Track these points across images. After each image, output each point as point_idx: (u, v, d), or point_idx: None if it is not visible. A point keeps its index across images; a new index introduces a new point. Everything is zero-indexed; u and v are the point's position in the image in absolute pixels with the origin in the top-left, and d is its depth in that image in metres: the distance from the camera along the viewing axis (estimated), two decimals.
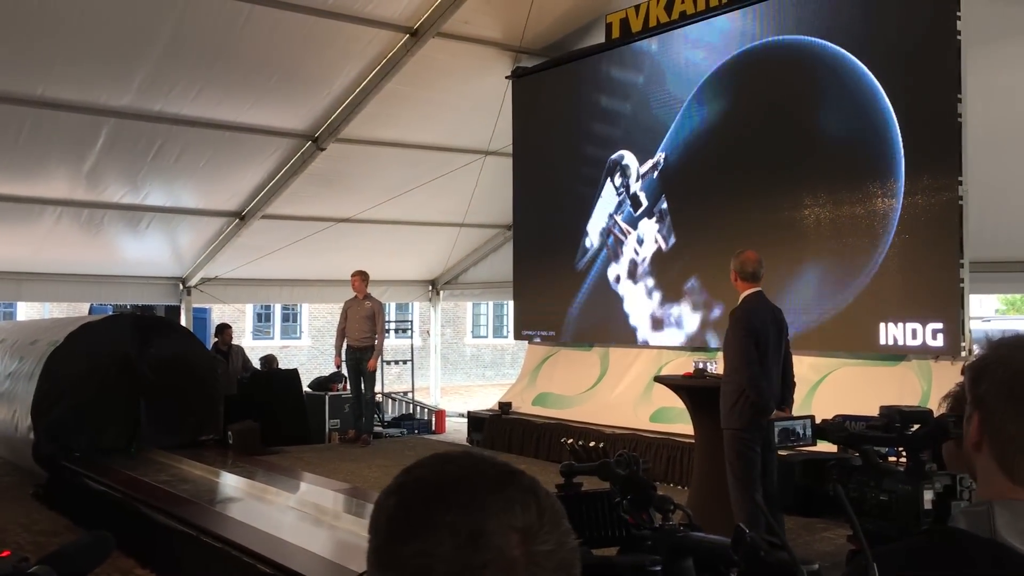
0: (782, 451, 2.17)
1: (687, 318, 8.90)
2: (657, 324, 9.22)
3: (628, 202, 9.52)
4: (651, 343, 9.36)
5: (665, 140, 9.11)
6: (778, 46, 8.08)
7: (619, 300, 9.64)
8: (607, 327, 9.83)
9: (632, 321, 9.51)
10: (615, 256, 9.65)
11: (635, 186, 9.45)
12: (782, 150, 8.07)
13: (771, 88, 8.20)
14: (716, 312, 8.46)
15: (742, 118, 8.43)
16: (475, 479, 0.87)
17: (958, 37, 6.76)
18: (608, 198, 9.74)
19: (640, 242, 9.39)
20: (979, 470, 1.23)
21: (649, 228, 9.31)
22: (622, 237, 9.59)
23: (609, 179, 9.72)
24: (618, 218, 9.65)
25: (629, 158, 9.51)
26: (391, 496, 0.88)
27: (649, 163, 9.29)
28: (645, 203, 9.34)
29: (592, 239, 9.88)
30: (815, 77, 7.82)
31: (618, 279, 9.60)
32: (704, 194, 8.77)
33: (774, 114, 8.15)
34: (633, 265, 9.45)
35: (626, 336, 9.62)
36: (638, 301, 9.43)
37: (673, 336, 9.07)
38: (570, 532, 0.87)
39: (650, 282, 9.31)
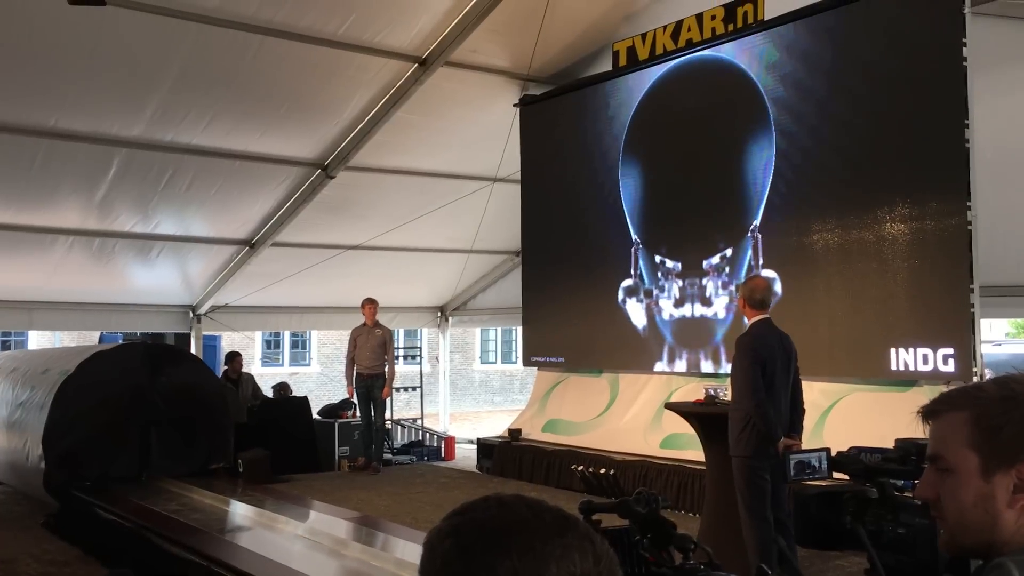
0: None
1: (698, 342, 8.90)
2: (669, 350, 9.22)
3: (645, 298, 9.53)
4: (660, 369, 9.36)
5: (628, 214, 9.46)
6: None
7: (630, 325, 9.65)
8: (617, 352, 9.82)
9: (644, 345, 9.51)
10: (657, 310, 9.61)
11: (645, 285, 9.54)
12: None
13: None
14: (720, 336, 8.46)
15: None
16: (534, 524, 0.86)
17: (964, 63, 6.79)
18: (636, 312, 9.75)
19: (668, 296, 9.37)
20: (1020, 525, 1.18)
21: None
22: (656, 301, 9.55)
23: (626, 304, 9.76)
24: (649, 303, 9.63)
25: (626, 284, 9.66)
26: (446, 538, 0.87)
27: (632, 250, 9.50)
28: (651, 283, 9.44)
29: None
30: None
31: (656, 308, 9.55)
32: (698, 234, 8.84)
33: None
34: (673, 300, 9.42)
35: (636, 361, 9.62)
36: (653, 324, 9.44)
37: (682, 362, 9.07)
38: None
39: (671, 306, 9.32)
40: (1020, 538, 1.17)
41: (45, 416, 8.27)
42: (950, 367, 6.85)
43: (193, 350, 11.76)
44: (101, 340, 15.19)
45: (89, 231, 10.15)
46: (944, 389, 5.87)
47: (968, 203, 6.79)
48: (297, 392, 13.18)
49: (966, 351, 6.77)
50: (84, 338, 16.97)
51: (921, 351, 7.04)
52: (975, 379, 6.62)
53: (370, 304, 10.78)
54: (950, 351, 6.86)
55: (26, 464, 8.53)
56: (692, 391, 8.04)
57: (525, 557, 0.83)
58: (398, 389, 12.94)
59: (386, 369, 10.74)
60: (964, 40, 6.79)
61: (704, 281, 8.91)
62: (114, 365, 8.92)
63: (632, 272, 9.69)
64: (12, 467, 9.14)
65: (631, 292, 9.73)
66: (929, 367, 6.98)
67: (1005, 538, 1.19)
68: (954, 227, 6.87)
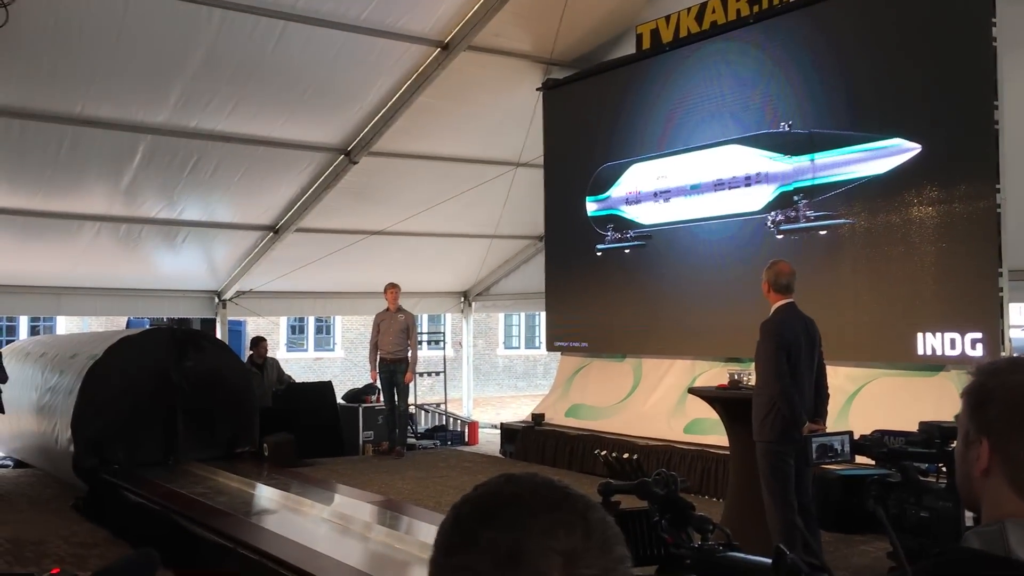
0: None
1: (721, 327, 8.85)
2: (691, 333, 9.19)
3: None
4: (685, 353, 9.33)
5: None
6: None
7: (653, 308, 9.61)
8: (640, 337, 9.80)
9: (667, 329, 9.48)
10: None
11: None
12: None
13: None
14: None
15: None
16: (526, 499, 0.87)
17: (994, 43, 6.68)
18: None
19: None
20: (987, 494, 1.25)
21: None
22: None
23: None
24: None
25: None
26: (451, 511, 0.90)
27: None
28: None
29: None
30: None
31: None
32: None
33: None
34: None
35: (659, 345, 9.59)
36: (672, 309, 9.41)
37: (707, 346, 9.03)
38: (624, 559, 0.86)
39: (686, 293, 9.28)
40: (988, 508, 1.25)
41: (74, 400, 8.37)
42: (978, 352, 6.77)
43: (219, 335, 11.86)
44: (128, 325, 15.34)
45: (116, 217, 10.23)
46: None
47: (997, 185, 6.70)
48: (322, 377, 13.26)
49: (995, 335, 6.69)
50: (112, 323, 17.15)
51: (949, 335, 6.96)
52: (979, 365, 6.52)
53: (392, 289, 10.81)
54: (978, 335, 6.78)
55: (56, 448, 8.65)
56: (716, 376, 8.01)
57: (506, 529, 0.84)
58: (421, 374, 13.00)
59: (409, 354, 10.78)
60: (994, 20, 6.68)
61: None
62: (141, 350, 9.00)
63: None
64: (42, 451, 9.28)
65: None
66: (957, 352, 6.91)
67: (978, 499, 1.27)
68: (983, 210, 6.78)
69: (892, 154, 7.42)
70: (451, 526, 0.88)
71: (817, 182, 7.95)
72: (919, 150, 7.22)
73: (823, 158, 7.92)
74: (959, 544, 1.21)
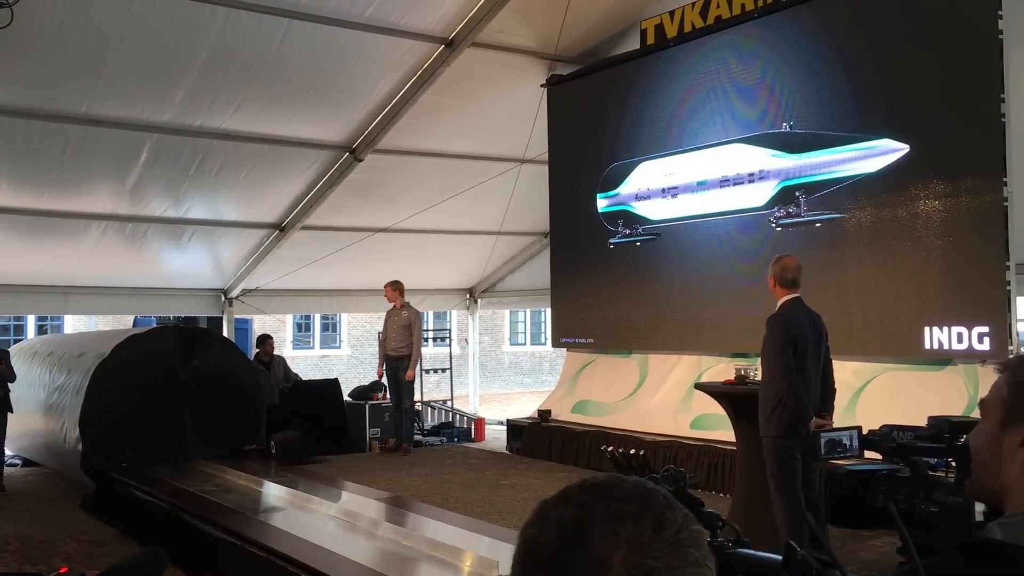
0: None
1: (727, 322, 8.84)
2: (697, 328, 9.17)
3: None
4: (691, 348, 9.32)
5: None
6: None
7: (659, 304, 9.60)
8: (646, 332, 9.78)
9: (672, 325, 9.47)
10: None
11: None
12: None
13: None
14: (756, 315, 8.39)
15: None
16: (606, 488, 0.90)
17: (1000, 36, 6.65)
18: None
19: None
20: (1020, 481, 1.24)
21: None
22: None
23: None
24: None
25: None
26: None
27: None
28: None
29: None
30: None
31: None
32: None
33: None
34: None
35: (665, 341, 9.59)
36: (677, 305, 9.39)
37: (713, 341, 9.01)
38: (698, 565, 0.87)
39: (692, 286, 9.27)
40: (1017, 497, 1.25)
41: (81, 399, 8.39)
42: (985, 345, 6.75)
43: (225, 333, 11.89)
44: (135, 324, 15.39)
45: (122, 216, 10.25)
46: (979, 368, 5.78)
47: (1004, 179, 6.68)
48: (328, 375, 13.28)
49: (1002, 329, 6.67)
50: (119, 322, 17.20)
51: (956, 329, 6.94)
52: (1011, 357, 6.52)
53: (387, 287, 10.84)
54: (985, 329, 6.77)
55: (64, 446, 8.68)
56: (722, 371, 8.01)
57: (577, 509, 0.88)
58: (427, 371, 13.01)
59: (412, 351, 10.80)
60: (1000, 13, 6.66)
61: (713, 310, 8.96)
62: (148, 348, 9.02)
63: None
64: (51, 449, 9.31)
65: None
66: (964, 346, 6.89)
67: (1006, 487, 1.27)
68: (990, 203, 6.76)
69: (880, 154, 7.43)
70: (536, 507, 0.92)
71: (815, 179, 7.95)
72: (907, 150, 7.24)
73: (817, 156, 7.93)
74: (982, 536, 1.21)
